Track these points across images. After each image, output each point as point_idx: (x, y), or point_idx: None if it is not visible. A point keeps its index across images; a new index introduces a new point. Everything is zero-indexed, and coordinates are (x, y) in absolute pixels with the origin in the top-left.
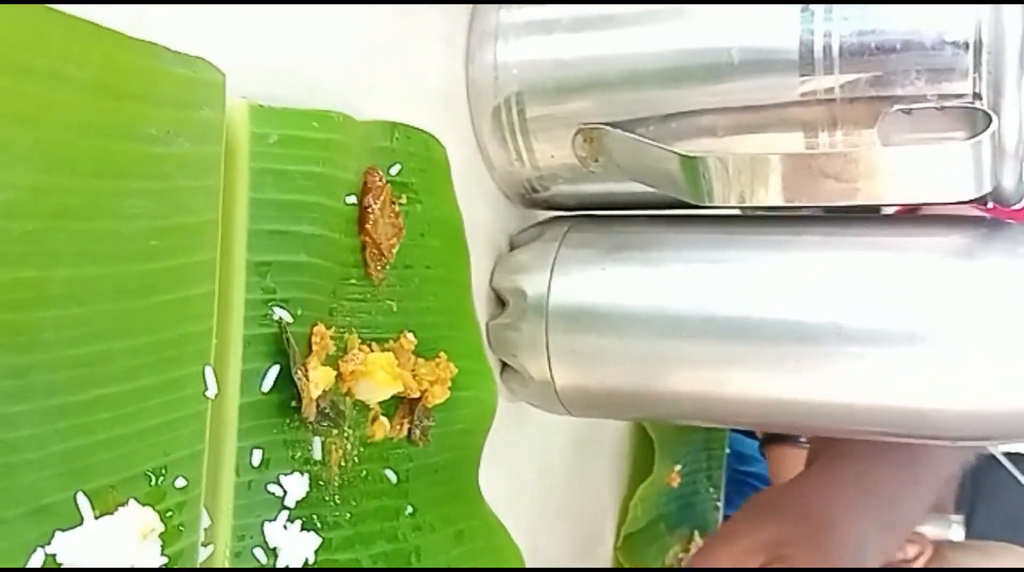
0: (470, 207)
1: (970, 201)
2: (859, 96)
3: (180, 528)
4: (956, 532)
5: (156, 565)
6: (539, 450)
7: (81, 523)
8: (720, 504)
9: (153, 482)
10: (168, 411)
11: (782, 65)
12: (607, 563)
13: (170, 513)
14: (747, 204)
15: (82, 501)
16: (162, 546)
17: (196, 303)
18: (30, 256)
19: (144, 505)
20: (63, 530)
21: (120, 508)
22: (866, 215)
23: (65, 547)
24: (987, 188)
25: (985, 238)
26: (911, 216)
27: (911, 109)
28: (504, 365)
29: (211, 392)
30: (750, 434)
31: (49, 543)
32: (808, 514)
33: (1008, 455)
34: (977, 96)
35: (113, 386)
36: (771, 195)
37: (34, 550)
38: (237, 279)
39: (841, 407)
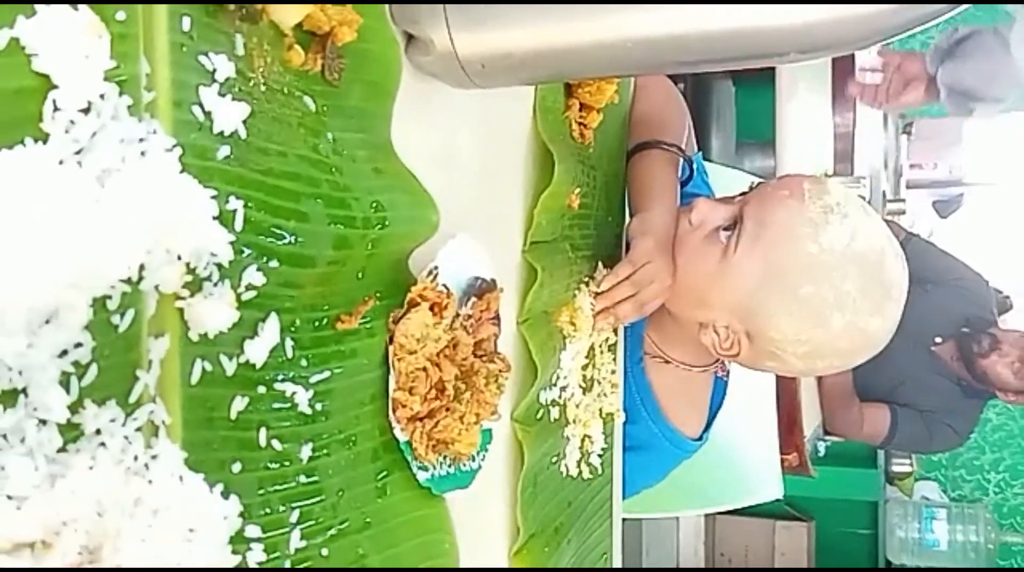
0: None
1: None
2: None
3: (124, 54)
4: None
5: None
6: (446, 133)
7: (36, 14)
8: (622, 241)
9: (95, 5)
10: None
11: None
12: (515, 263)
13: (114, 38)
14: None
15: None
16: (115, 59)
17: None
18: None
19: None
20: (26, 16)
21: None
22: None
23: (26, 30)
24: None
25: None
26: None
27: None
28: (409, 38)
29: None
30: None
31: (12, 26)
32: (651, 236)
33: None
34: None
35: None
36: None
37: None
38: None
39: (712, 35)
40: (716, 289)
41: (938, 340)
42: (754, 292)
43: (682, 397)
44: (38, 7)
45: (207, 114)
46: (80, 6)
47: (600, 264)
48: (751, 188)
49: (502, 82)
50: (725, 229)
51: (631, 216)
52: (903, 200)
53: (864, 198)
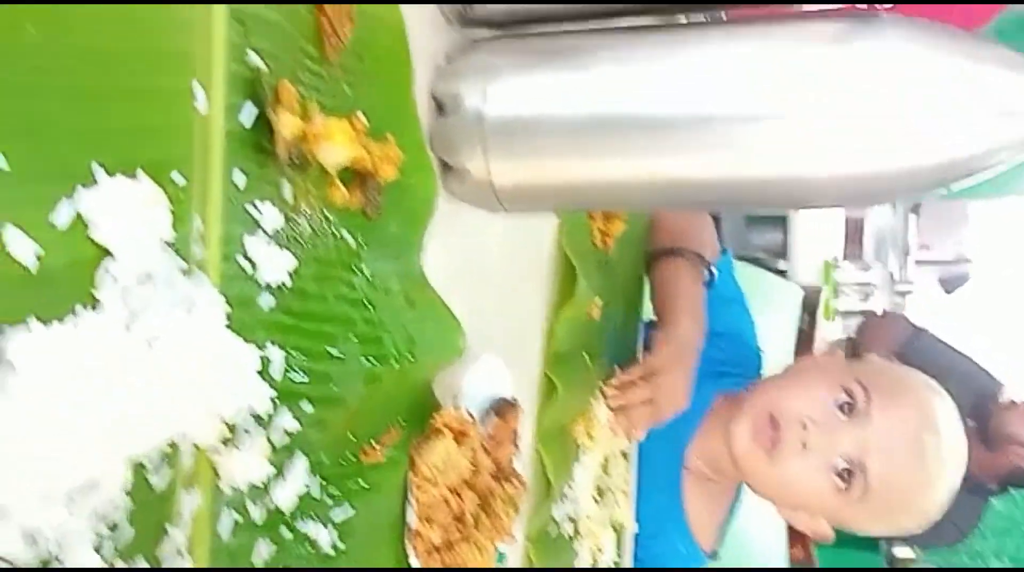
0: (413, 23)
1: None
2: None
3: (180, 216)
4: None
5: (169, 236)
6: (473, 250)
7: (97, 184)
8: (639, 346)
9: (154, 170)
10: (165, 113)
11: None
12: (535, 377)
13: (171, 200)
14: None
15: (96, 168)
16: (172, 225)
17: (183, 25)
18: None
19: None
20: (86, 186)
21: (130, 178)
22: (756, 16)
23: (87, 201)
24: None
25: (857, 26)
26: (797, 12)
27: None
28: (444, 166)
29: (200, 105)
30: None
31: (72, 196)
32: (673, 348)
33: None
34: None
35: (120, 80)
36: None
37: (59, 200)
38: (218, 17)
39: (742, 182)
40: (826, 512)
41: None
42: (862, 523)
43: (707, 511)
44: (99, 177)
45: (253, 264)
46: (139, 174)
47: (617, 369)
48: (851, 399)
49: (534, 209)
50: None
51: (656, 317)
52: (910, 282)
53: (873, 284)
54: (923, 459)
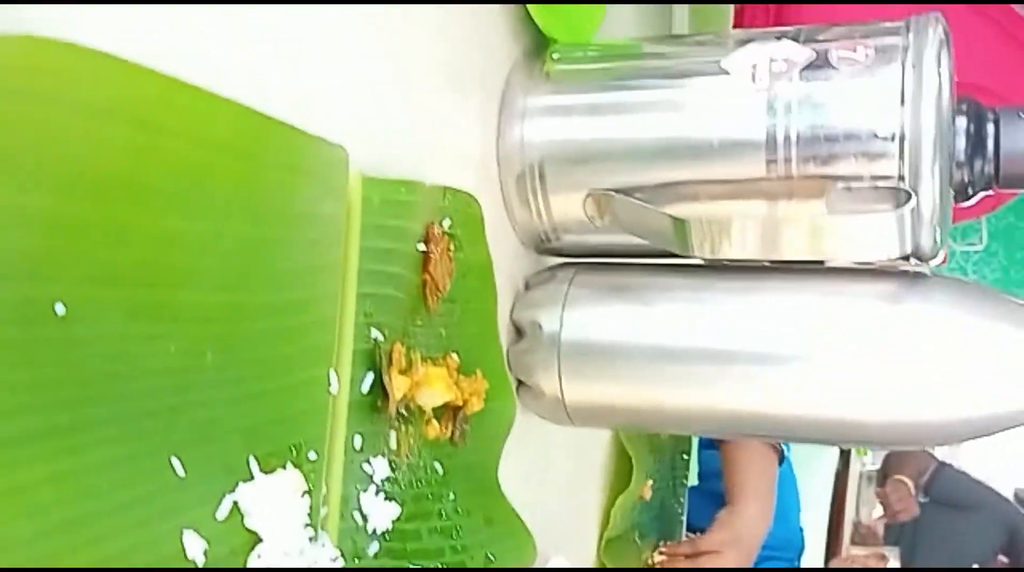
0: (496, 253)
1: (896, 259)
2: (811, 174)
3: (312, 489)
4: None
5: (306, 516)
6: (542, 460)
7: (253, 478)
8: (684, 518)
9: (295, 453)
10: (307, 401)
11: (752, 149)
12: (590, 561)
13: (305, 477)
14: (722, 257)
15: (252, 462)
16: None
17: (325, 323)
18: (227, 284)
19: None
20: (244, 481)
21: (280, 470)
22: (814, 267)
23: (245, 495)
24: (908, 250)
25: (908, 286)
26: (851, 267)
27: (851, 186)
28: (519, 383)
29: (334, 389)
30: (712, 444)
31: (233, 491)
32: (734, 533)
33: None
34: (901, 177)
35: (274, 380)
36: (741, 251)
37: (223, 496)
38: (349, 307)
39: (794, 419)
40: None
41: (975, 567)
42: None
43: None
44: (254, 470)
45: (364, 517)
46: (288, 465)
47: (662, 542)
48: None
49: (601, 426)
50: None
51: (725, 496)
52: None
53: None
54: None
